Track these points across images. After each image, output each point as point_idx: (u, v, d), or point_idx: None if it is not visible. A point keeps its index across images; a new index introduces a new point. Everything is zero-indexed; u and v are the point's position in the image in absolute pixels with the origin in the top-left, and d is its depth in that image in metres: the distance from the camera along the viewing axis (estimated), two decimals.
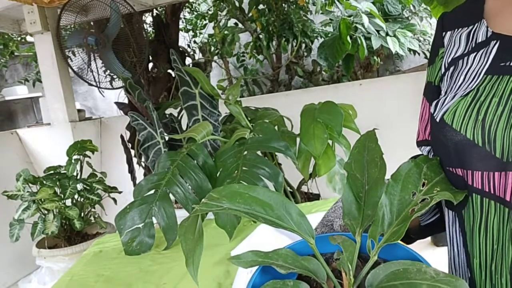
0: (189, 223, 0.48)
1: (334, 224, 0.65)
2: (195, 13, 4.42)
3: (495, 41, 0.58)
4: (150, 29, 3.64)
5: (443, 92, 0.64)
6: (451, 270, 0.65)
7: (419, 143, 0.72)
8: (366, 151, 0.57)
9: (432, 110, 0.62)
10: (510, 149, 0.51)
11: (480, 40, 0.60)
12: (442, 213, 0.69)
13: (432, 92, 0.68)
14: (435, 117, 0.60)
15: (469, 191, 0.56)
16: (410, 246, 0.75)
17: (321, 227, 0.68)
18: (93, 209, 2.35)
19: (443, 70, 0.66)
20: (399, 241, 0.49)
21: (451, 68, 0.63)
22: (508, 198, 0.52)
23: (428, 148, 0.70)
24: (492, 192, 0.53)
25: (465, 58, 0.61)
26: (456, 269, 0.63)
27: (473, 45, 0.61)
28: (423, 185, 0.55)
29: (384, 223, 0.50)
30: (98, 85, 2.84)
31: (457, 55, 0.63)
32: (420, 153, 0.73)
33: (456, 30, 0.66)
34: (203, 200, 0.49)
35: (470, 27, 0.64)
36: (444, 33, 0.68)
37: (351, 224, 0.52)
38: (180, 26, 3.56)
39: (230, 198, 0.49)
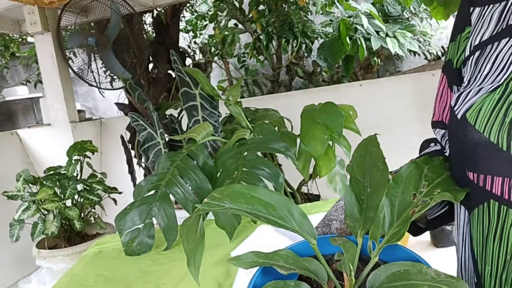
0: (191, 223, 0.48)
1: (332, 226, 0.63)
2: (195, 13, 4.42)
3: None
4: (150, 29, 3.64)
5: (465, 81, 0.56)
6: (460, 270, 0.62)
7: (435, 124, 0.66)
8: (368, 155, 0.57)
9: (453, 102, 0.55)
10: None
11: None
12: (450, 206, 0.66)
13: (452, 73, 0.61)
14: (456, 112, 0.54)
15: (487, 197, 0.52)
16: (410, 245, 0.75)
17: (322, 227, 0.66)
18: (93, 210, 2.35)
19: (467, 52, 0.57)
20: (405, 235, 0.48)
21: (477, 53, 0.55)
22: None
23: (443, 132, 0.63)
24: (511, 200, 0.50)
25: (495, 44, 0.53)
26: (466, 269, 0.60)
27: (504, 26, 0.53)
28: (425, 186, 0.55)
29: (385, 224, 0.51)
30: (98, 86, 2.84)
31: (485, 38, 0.54)
32: (434, 137, 0.67)
33: (487, 7, 0.56)
34: (205, 200, 0.49)
35: (504, 3, 0.54)
36: (471, 9, 0.58)
37: (353, 225, 0.52)
38: (180, 27, 3.56)
39: (232, 198, 0.49)
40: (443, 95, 0.63)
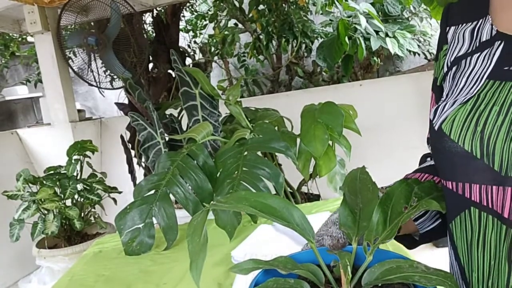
0: (197, 223, 0.48)
1: (322, 241, 0.63)
2: (195, 13, 4.42)
3: (499, 42, 0.54)
4: (150, 29, 3.64)
5: (444, 95, 0.60)
6: None
7: (428, 140, 0.69)
8: (358, 180, 0.62)
9: (431, 116, 0.59)
10: (509, 163, 0.48)
11: (484, 39, 0.56)
12: (443, 220, 0.68)
13: (437, 90, 0.64)
14: (434, 125, 0.57)
15: (467, 204, 0.54)
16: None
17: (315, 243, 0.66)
18: (93, 209, 2.35)
19: (445, 69, 0.61)
20: (394, 243, 0.50)
21: (454, 68, 0.59)
22: (506, 215, 0.50)
23: None
24: (490, 206, 0.51)
25: (468, 58, 0.57)
26: (455, 277, 0.61)
27: (477, 44, 0.56)
28: (414, 201, 0.59)
29: (378, 228, 0.54)
30: (98, 85, 2.84)
31: (460, 54, 0.58)
32: (429, 151, 0.70)
33: (460, 25, 0.61)
34: (211, 202, 0.52)
35: (475, 23, 0.58)
36: (447, 28, 0.63)
37: (347, 232, 0.56)
38: (180, 27, 3.56)
39: (237, 202, 0.52)
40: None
